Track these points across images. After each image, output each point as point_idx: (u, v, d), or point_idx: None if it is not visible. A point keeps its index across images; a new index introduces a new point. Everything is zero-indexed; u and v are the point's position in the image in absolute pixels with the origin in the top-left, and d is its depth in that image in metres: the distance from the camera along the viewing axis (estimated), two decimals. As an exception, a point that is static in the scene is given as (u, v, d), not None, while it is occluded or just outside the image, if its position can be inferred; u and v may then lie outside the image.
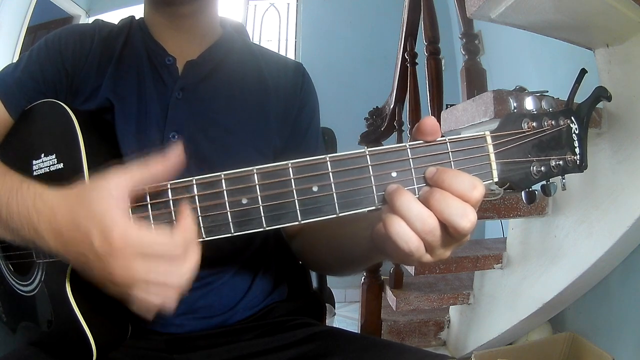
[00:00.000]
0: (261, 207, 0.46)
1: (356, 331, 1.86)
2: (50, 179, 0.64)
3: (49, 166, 0.64)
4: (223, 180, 0.46)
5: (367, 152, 0.45)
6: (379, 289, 1.89)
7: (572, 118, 0.47)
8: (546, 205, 1.47)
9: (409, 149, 0.45)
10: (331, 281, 1.12)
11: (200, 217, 0.47)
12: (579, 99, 0.49)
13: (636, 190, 1.17)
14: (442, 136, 0.46)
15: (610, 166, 1.24)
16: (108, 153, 0.69)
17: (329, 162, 0.45)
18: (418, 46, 1.94)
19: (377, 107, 2.33)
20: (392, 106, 2.14)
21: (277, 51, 1.05)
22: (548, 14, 1.10)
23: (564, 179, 0.48)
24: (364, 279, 1.91)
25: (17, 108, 0.72)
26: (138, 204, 0.51)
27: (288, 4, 3.86)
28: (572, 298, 1.57)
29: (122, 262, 0.45)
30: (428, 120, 0.45)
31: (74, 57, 0.74)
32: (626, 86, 1.18)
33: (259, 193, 0.46)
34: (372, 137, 2.22)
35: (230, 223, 0.46)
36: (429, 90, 1.71)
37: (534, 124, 0.46)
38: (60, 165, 0.64)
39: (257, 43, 0.91)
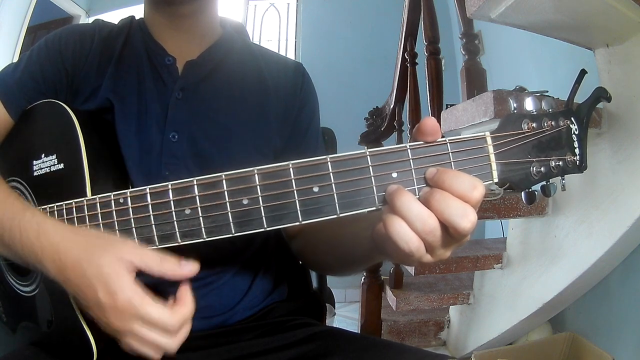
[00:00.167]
0: (262, 208, 0.46)
1: (356, 331, 1.86)
2: (51, 179, 0.64)
3: (50, 166, 0.65)
4: (224, 181, 0.46)
5: (367, 153, 0.45)
6: (379, 289, 1.89)
7: (572, 119, 0.47)
8: (546, 205, 1.47)
9: (409, 150, 0.45)
10: (331, 281, 1.12)
11: (201, 218, 0.47)
12: (579, 99, 0.49)
13: (636, 190, 1.17)
14: (443, 137, 0.46)
15: (610, 166, 1.24)
16: (108, 153, 0.69)
17: (329, 163, 0.45)
18: (418, 46, 1.94)
19: (377, 107, 2.33)
20: (392, 106, 2.14)
21: (277, 51, 1.05)
22: (548, 14, 1.10)
23: (563, 179, 0.48)
24: (364, 279, 1.91)
25: (17, 108, 0.72)
26: (139, 204, 0.51)
27: (288, 4, 3.86)
28: (572, 298, 1.57)
29: (121, 317, 0.49)
30: (428, 121, 0.45)
31: (74, 57, 0.74)
32: (626, 86, 1.18)
33: (259, 193, 0.46)
34: (372, 137, 2.22)
35: (231, 223, 0.46)
36: (429, 90, 1.71)
37: (534, 124, 0.46)
38: (61, 166, 0.64)
39: (257, 43, 0.91)
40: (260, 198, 0.46)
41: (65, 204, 0.58)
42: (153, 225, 0.51)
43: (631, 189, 1.19)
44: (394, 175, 0.45)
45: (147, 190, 0.51)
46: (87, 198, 0.56)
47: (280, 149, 0.79)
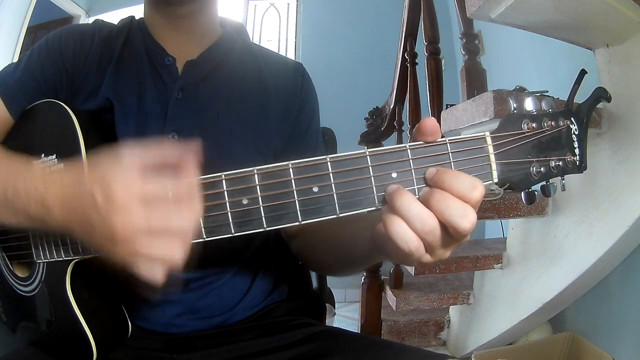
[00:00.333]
0: (262, 208, 0.46)
1: (356, 331, 1.86)
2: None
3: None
4: (224, 181, 0.46)
5: (367, 153, 0.45)
6: (379, 289, 1.89)
7: (572, 119, 0.47)
8: (546, 205, 1.47)
9: (409, 150, 0.45)
10: (331, 281, 1.12)
11: (201, 217, 0.47)
12: (579, 99, 0.49)
13: (636, 190, 1.17)
14: (442, 137, 0.46)
15: (610, 166, 1.24)
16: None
17: (329, 163, 0.45)
18: (418, 46, 1.94)
19: (377, 107, 2.33)
20: (392, 106, 2.14)
21: (277, 51, 1.05)
22: (548, 14, 1.10)
23: (563, 179, 0.48)
24: (364, 279, 1.91)
25: (17, 108, 0.72)
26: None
27: (288, 4, 3.86)
28: (572, 298, 1.57)
29: (123, 215, 0.43)
30: (428, 121, 0.45)
31: (74, 57, 0.74)
32: (626, 86, 1.18)
33: (259, 193, 0.46)
34: (372, 137, 2.22)
35: (231, 223, 0.46)
36: (429, 90, 1.71)
37: (534, 124, 0.46)
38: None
39: (257, 43, 0.91)
40: (260, 198, 0.46)
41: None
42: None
43: (631, 189, 1.19)
44: (394, 175, 0.45)
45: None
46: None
47: (280, 149, 0.79)
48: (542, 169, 0.46)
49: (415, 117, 1.85)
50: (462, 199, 0.42)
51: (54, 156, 0.64)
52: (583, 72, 0.48)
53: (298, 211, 0.45)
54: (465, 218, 0.41)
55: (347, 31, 3.54)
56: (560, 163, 0.46)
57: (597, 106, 0.49)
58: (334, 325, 0.87)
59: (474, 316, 1.80)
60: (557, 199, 1.43)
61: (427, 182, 0.45)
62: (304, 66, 0.86)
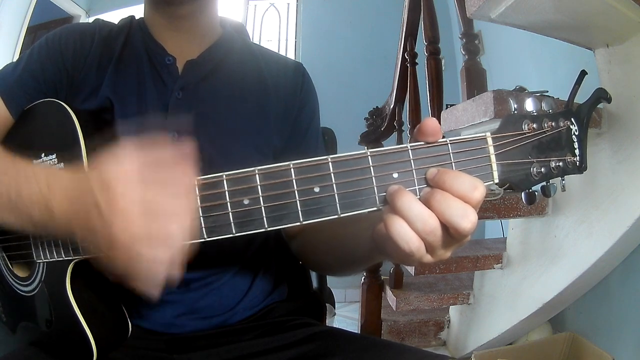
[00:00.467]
0: (263, 208, 0.46)
1: (356, 331, 1.86)
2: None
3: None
4: (225, 181, 0.46)
5: (368, 153, 0.45)
6: (379, 289, 1.89)
7: (572, 119, 0.47)
8: (546, 205, 1.47)
9: (410, 150, 0.45)
10: (331, 281, 1.12)
11: (201, 218, 0.47)
12: (579, 98, 0.49)
13: (636, 190, 1.17)
14: (443, 137, 0.46)
15: (610, 166, 1.24)
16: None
17: (330, 163, 0.45)
18: (418, 46, 1.94)
19: (377, 107, 2.33)
20: (392, 106, 2.14)
21: (277, 51, 1.05)
22: (548, 14, 1.10)
23: (563, 180, 0.48)
24: (364, 279, 1.91)
25: (17, 107, 0.72)
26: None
27: (288, 4, 3.86)
28: (572, 298, 1.57)
29: (122, 216, 0.44)
30: (429, 122, 0.45)
31: (74, 57, 0.74)
32: (626, 86, 1.18)
33: (260, 194, 0.46)
34: (372, 137, 2.22)
35: (232, 224, 0.46)
36: (429, 90, 1.71)
37: (534, 125, 0.46)
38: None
39: (257, 43, 0.91)
40: (261, 198, 0.46)
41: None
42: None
43: (631, 189, 1.19)
44: (395, 175, 0.45)
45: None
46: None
47: (281, 149, 0.79)
48: (542, 169, 0.46)
49: (415, 117, 1.85)
50: (462, 199, 0.42)
51: (54, 156, 0.64)
52: (583, 73, 0.48)
53: (299, 211, 0.45)
54: (465, 218, 0.42)
55: (347, 31, 3.55)
56: (561, 164, 0.46)
57: (597, 106, 0.49)
58: (334, 325, 0.87)
59: (474, 316, 1.80)
60: (557, 199, 1.43)
61: (428, 183, 0.45)
62: (304, 66, 0.87)
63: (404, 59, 2.01)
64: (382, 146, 0.51)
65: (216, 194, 0.46)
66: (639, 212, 1.16)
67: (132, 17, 0.82)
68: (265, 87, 0.80)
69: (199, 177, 0.48)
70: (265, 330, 0.75)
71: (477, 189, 0.42)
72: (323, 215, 0.46)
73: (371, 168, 0.45)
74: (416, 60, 1.95)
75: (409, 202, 0.43)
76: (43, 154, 0.65)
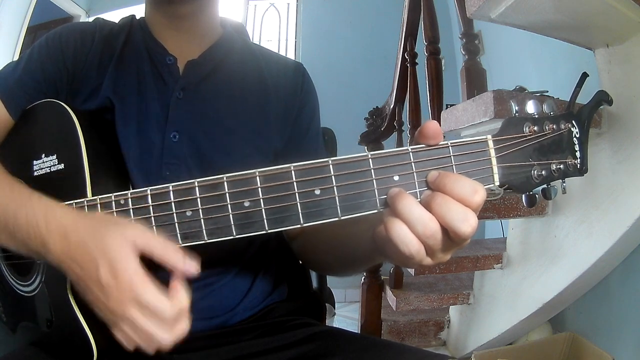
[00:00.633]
0: (263, 210, 0.46)
1: (356, 331, 1.86)
2: (51, 179, 0.64)
3: (50, 167, 0.65)
4: (225, 183, 0.46)
5: (369, 156, 0.45)
6: (379, 289, 1.89)
7: (573, 122, 0.47)
8: (546, 205, 1.47)
9: (411, 153, 0.45)
10: (331, 281, 1.12)
11: (202, 220, 0.47)
12: (579, 98, 0.49)
13: (636, 190, 1.17)
14: (444, 139, 0.46)
15: (610, 166, 1.24)
16: (109, 153, 0.69)
17: (331, 166, 0.45)
18: (418, 46, 1.94)
19: (377, 107, 2.33)
20: (392, 106, 2.14)
21: (277, 51, 1.05)
22: (548, 14, 1.10)
23: (564, 182, 0.48)
24: (364, 279, 1.91)
25: (17, 108, 0.72)
26: (140, 206, 0.51)
27: (288, 4, 3.86)
28: (572, 298, 1.57)
29: (120, 297, 0.48)
30: (430, 124, 0.45)
31: (75, 56, 0.74)
32: (626, 86, 1.18)
33: (261, 196, 0.46)
34: (372, 137, 2.22)
35: (233, 225, 0.46)
36: (429, 90, 1.71)
37: (535, 127, 0.46)
38: (61, 166, 0.64)
39: (257, 43, 0.91)
40: (261, 200, 0.46)
41: (66, 204, 0.58)
42: (154, 227, 0.51)
43: (631, 189, 1.19)
44: (396, 178, 0.45)
45: (148, 192, 0.51)
46: (87, 199, 0.56)
47: (281, 149, 0.79)
48: (543, 172, 0.46)
49: (415, 117, 1.84)
50: (463, 202, 0.42)
51: (54, 156, 0.64)
52: (585, 75, 0.48)
53: (300, 213, 0.45)
54: (466, 222, 0.42)
55: (347, 31, 3.54)
56: (561, 166, 0.46)
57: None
58: (334, 325, 0.87)
59: (474, 316, 1.80)
60: (557, 199, 1.43)
61: (429, 186, 0.45)
62: (304, 66, 0.86)
63: (404, 59, 2.01)
64: (382, 146, 0.51)
65: (217, 196, 0.46)
66: (639, 212, 1.16)
67: (133, 16, 0.82)
68: (265, 87, 0.80)
69: (200, 179, 0.48)
70: (265, 330, 0.74)
71: (477, 193, 0.42)
72: (324, 217, 0.46)
73: (372, 170, 0.45)
74: (416, 60, 1.95)
75: (410, 205, 0.43)
76: (43, 155, 0.65)
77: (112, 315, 0.49)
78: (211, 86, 0.76)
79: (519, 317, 1.57)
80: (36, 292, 0.67)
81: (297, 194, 0.45)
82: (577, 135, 0.47)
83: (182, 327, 0.51)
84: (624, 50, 1.20)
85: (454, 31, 2.59)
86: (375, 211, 0.45)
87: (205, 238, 0.47)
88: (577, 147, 0.47)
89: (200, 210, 0.47)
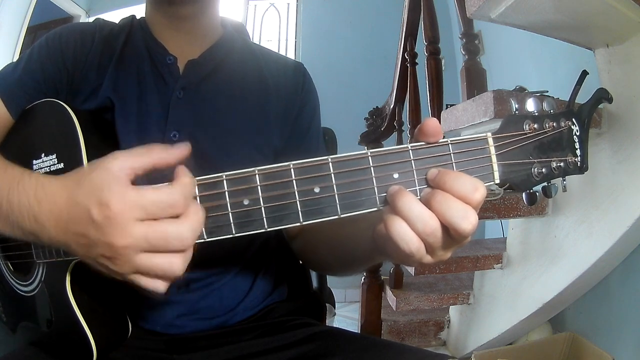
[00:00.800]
0: (263, 208, 0.46)
1: (356, 331, 1.86)
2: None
3: (50, 166, 0.64)
4: (224, 181, 0.46)
5: (369, 154, 0.45)
6: (379, 289, 1.89)
7: (573, 120, 0.47)
8: (546, 205, 1.47)
9: (410, 151, 0.45)
10: (331, 281, 1.12)
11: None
12: (579, 98, 0.49)
13: (636, 190, 1.17)
14: (444, 137, 0.46)
15: (610, 166, 1.24)
16: (109, 153, 0.69)
17: (330, 164, 0.45)
18: (418, 46, 1.94)
19: (377, 107, 2.33)
20: (392, 106, 2.14)
21: (277, 51, 1.05)
22: (548, 14, 1.10)
23: (564, 180, 0.48)
24: (364, 279, 1.91)
25: (17, 108, 0.72)
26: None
27: (288, 4, 3.86)
28: (572, 298, 1.57)
29: (121, 229, 0.43)
30: (430, 122, 0.45)
31: (75, 56, 0.74)
32: (626, 86, 1.18)
33: (260, 194, 0.45)
34: (372, 137, 2.22)
35: (232, 224, 0.46)
36: (429, 90, 1.71)
37: (535, 125, 0.46)
38: (61, 165, 0.64)
39: (257, 43, 0.91)
40: (261, 199, 0.46)
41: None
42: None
43: (631, 189, 1.19)
44: (396, 176, 0.45)
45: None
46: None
47: (281, 149, 0.79)
48: (543, 170, 0.46)
49: (415, 117, 1.84)
50: (463, 200, 0.42)
51: (54, 156, 0.64)
52: (584, 73, 0.48)
53: (299, 212, 0.45)
54: (466, 220, 0.41)
55: (347, 31, 3.55)
56: (562, 164, 0.46)
57: (598, 106, 0.49)
58: (334, 325, 0.87)
59: (474, 316, 1.80)
60: (557, 199, 1.43)
61: (429, 183, 0.45)
62: (304, 66, 0.87)
63: (404, 59, 2.01)
64: (382, 146, 0.51)
65: (216, 195, 0.46)
66: (639, 212, 1.16)
67: (133, 16, 0.82)
68: (265, 86, 0.80)
69: (199, 177, 0.48)
70: (265, 330, 0.74)
71: (477, 190, 0.42)
72: (323, 215, 0.45)
73: (372, 168, 0.45)
74: (416, 60, 1.95)
75: (410, 202, 0.43)
76: (43, 154, 0.65)
77: (125, 265, 0.44)
78: (211, 86, 0.76)
79: (519, 317, 1.57)
80: (36, 292, 0.67)
81: (296, 192, 0.45)
82: (578, 133, 0.47)
83: (197, 217, 0.45)
84: (624, 50, 1.20)
85: (454, 31, 2.59)
86: (375, 209, 0.45)
87: (205, 237, 0.47)
88: (577, 145, 0.47)
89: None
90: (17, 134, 0.73)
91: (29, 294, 0.68)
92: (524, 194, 0.47)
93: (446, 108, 1.40)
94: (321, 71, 2.38)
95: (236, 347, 0.71)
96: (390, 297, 1.80)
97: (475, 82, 1.58)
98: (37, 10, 3.07)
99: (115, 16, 0.85)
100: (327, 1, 3.62)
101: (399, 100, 2.12)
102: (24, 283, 0.69)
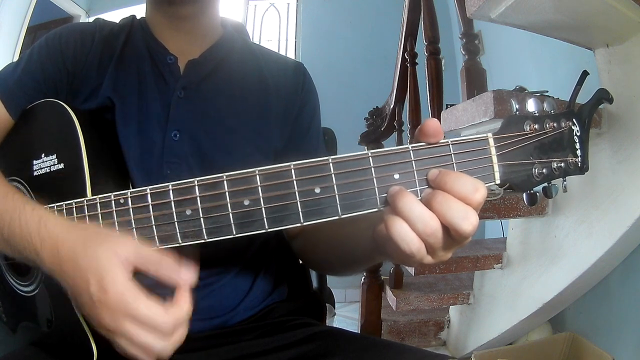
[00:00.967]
0: (263, 209, 0.46)
1: (356, 331, 1.86)
2: (51, 179, 0.64)
3: (50, 166, 0.64)
4: (225, 182, 0.46)
5: (369, 154, 0.45)
6: (379, 289, 1.89)
7: (574, 120, 0.47)
8: (546, 205, 1.47)
9: (411, 151, 0.45)
10: (331, 281, 1.12)
11: (202, 219, 0.47)
12: (579, 98, 0.49)
13: (636, 190, 1.17)
14: (444, 137, 0.46)
15: (610, 166, 1.24)
16: (109, 153, 0.69)
17: (331, 164, 0.45)
18: (418, 46, 1.94)
19: (377, 107, 2.33)
20: (392, 106, 2.14)
21: (277, 51, 1.05)
22: (548, 14, 1.10)
23: (565, 180, 0.48)
24: (364, 279, 1.91)
25: (17, 108, 0.72)
26: (140, 205, 0.51)
27: (288, 4, 3.86)
28: (572, 298, 1.57)
29: (112, 315, 0.47)
30: (431, 122, 0.45)
31: (75, 56, 0.74)
32: (626, 86, 1.18)
33: (261, 195, 0.46)
34: (372, 137, 2.22)
35: (232, 224, 0.46)
36: (429, 90, 1.71)
37: (536, 126, 0.46)
38: (61, 166, 0.64)
39: (257, 43, 0.91)
40: (261, 199, 0.46)
41: (65, 204, 0.58)
42: (154, 226, 0.51)
43: (631, 189, 1.19)
44: (396, 176, 0.45)
45: (148, 191, 0.51)
46: (87, 198, 0.56)
47: (282, 149, 0.79)
48: (544, 170, 0.46)
49: (415, 117, 1.84)
50: (464, 200, 0.42)
51: (54, 156, 0.64)
52: (585, 74, 0.48)
53: (300, 212, 0.45)
54: (466, 220, 0.41)
55: (347, 31, 3.54)
56: (562, 164, 0.46)
57: (598, 106, 0.49)
58: (334, 325, 0.87)
59: (474, 316, 1.80)
60: (557, 199, 1.43)
61: (429, 184, 0.45)
62: (304, 66, 0.86)
63: (404, 59, 2.01)
64: (382, 146, 0.51)
65: (217, 195, 0.46)
66: (639, 212, 1.16)
67: (134, 16, 0.82)
68: (266, 86, 0.80)
69: (199, 178, 0.48)
70: (265, 330, 0.74)
71: (478, 191, 0.42)
72: (324, 216, 0.45)
73: (372, 169, 0.45)
74: (416, 60, 1.95)
75: (410, 203, 0.43)
76: (43, 155, 0.65)
77: (107, 331, 0.49)
78: (212, 85, 0.76)
79: (519, 317, 1.57)
80: (36, 292, 0.66)
81: (297, 192, 0.45)
82: (578, 134, 0.47)
83: (180, 335, 0.50)
84: (624, 50, 1.20)
85: (454, 31, 2.59)
86: (376, 210, 0.45)
87: (205, 237, 0.47)
88: (577, 146, 0.47)
89: (200, 209, 0.47)
90: (17, 134, 0.72)
91: (29, 294, 0.68)
92: (524, 194, 0.47)
93: (446, 108, 1.40)
94: (321, 71, 2.38)
95: (236, 347, 0.71)
96: (390, 297, 1.80)
97: (475, 82, 1.58)
98: (37, 10, 3.07)
99: (115, 16, 0.84)
100: (327, 1, 3.61)
101: (399, 100, 2.12)
102: (24, 283, 0.69)
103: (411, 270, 1.63)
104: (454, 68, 2.71)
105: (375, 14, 3.48)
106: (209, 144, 0.73)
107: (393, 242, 0.43)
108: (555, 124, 0.46)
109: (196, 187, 0.47)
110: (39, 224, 0.53)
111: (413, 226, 0.42)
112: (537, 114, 0.46)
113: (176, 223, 0.49)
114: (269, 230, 0.46)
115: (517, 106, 0.46)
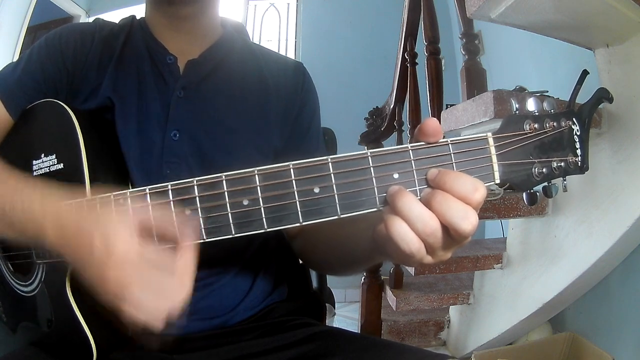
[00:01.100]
0: (262, 209, 0.46)
1: (356, 331, 1.86)
2: (51, 179, 0.64)
3: (49, 166, 0.64)
4: (224, 181, 0.46)
5: (369, 154, 0.45)
6: (379, 289, 1.89)
7: (574, 119, 0.47)
8: (546, 205, 1.47)
9: (410, 151, 0.45)
10: (331, 281, 1.12)
11: (201, 218, 0.47)
12: (579, 98, 0.49)
13: (636, 190, 1.17)
14: (444, 137, 0.46)
15: (610, 166, 1.24)
16: (108, 153, 0.69)
17: (330, 164, 0.45)
18: (418, 46, 1.94)
19: (377, 107, 2.33)
20: (392, 106, 2.14)
21: (277, 51, 1.05)
22: (548, 14, 1.10)
23: (565, 180, 0.47)
24: (364, 279, 1.91)
25: (17, 108, 0.72)
26: (139, 205, 0.50)
27: (288, 4, 3.86)
28: (572, 298, 1.57)
29: (117, 273, 0.46)
30: (430, 122, 0.45)
31: (75, 56, 0.74)
32: (626, 86, 1.18)
33: (260, 194, 0.45)
34: (372, 137, 2.22)
35: (231, 224, 0.46)
36: (429, 90, 1.71)
37: (536, 125, 0.46)
38: (61, 166, 0.64)
39: (257, 43, 0.91)
40: (260, 199, 0.45)
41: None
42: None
43: (631, 189, 1.19)
44: (396, 176, 0.45)
45: (147, 191, 0.51)
46: (86, 198, 0.56)
47: (281, 149, 0.79)
48: (544, 169, 0.46)
49: (415, 117, 1.85)
50: (463, 200, 0.42)
51: (53, 156, 0.64)
52: (585, 73, 0.48)
53: (299, 212, 0.45)
54: (466, 220, 0.41)
55: (347, 31, 3.55)
56: (562, 164, 0.46)
57: (598, 106, 0.49)
58: (334, 325, 0.87)
59: (474, 316, 1.80)
60: (557, 199, 1.43)
61: (429, 183, 0.44)
62: (304, 66, 0.86)
63: (404, 59, 2.01)
64: (382, 146, 0.51)
65: (216, 195, 0.46)
66: (639, 212, 1.16)
67: (133, 16, 0.82)
68: (265, 86, 0.80)
69: (198, 178, 0.48)
70: (265, 330, 0.74)
71: (477, 190, 0.42)
72: (323, 216, 0.45)
73: (371, 168, 0.45)
74: (416, 60, 1.95)
75: (410, 202, 0.42)
76: (43, 155, 0.65)
77: (112, 296, 0.46)
78: (212, 85, 0.76)
79: (519, 317, 1.57)
80: (36, 292, 0.66)
81: (296, 192, 0.45)
82: (578, 133, 0.47)
83: (187, 289, 0.48)
84: (624, 50, 1.20)
85: (454, 31, 2.59)
86: (375, 209, 0.45)
87: (204, 237, 0.47)
88: (577, 145, 0.47)
89: (199, 209, 0.47)
90: (17, 134, 0.72)
91: (29, 294, 0.68)
92: (524, 194, 0.47)
93: (446, 108, 1.40)
94: (321, 71, 2.38)
95: (236, 347, 0.71)
96: (390, 297, 1.80)
97: (475, 82, 1.58)
98: (37, 10, 3.07)
99: (115, 16, 0.85)
100: (327, 1, 3.62)
101: (399, 100, 2.12)
102: (24, 283, 0.69)
103: (411, 270, 1.63)
104: (454, 68, 2.71)
105: (375, 14, 3.48)
106: (209, 144, 0.73)
107: (393, 242, 0.43)
108: (555, 124, 0.46)
109: (195, 187, 0.47)
110: (42, 199, 0.53)
111: (412, 226, 0.42)
112: (537, 114, 0.46)
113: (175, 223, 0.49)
114: (268, 230, 0.46)
115: (517, 106, 0.46)
